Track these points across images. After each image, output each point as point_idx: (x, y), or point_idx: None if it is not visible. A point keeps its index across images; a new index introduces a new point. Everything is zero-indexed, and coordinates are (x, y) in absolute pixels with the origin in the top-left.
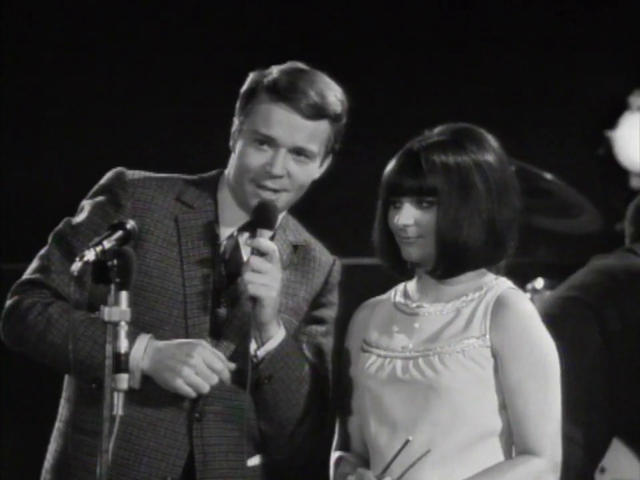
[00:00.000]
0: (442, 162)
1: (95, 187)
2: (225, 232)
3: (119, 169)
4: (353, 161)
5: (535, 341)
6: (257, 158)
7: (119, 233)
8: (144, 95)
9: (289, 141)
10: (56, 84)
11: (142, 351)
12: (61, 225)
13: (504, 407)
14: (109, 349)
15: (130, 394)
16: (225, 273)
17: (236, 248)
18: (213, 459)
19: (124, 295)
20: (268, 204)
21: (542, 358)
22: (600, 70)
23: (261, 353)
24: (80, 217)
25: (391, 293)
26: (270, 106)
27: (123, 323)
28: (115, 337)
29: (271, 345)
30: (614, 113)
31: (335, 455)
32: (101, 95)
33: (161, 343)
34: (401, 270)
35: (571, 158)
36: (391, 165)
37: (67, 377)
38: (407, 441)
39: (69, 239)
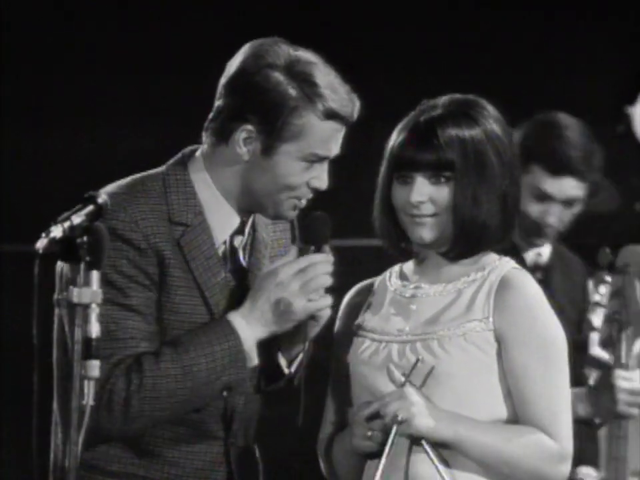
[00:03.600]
0: (458, 135)
1: None
2: (219, 238)
3: (104, 199)
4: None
5: (542, 323)
6: (306, 175)
7: (90, 208)
8: (145, 81)
9: (337, 152)
10: (58, 69)
11: (249, 332)
12: None
13: (509, 395)
14: (78, 333)
15: (162, 432)
16: (235, 283)
17: (233, 253)
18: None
19: (95, 274)
20: (323, 218)
21: (549, 341)
22: (620, 43)
23: (294, 367)
24: None
25: (385, 274)
26: (326, 125)
27: (93, 306)
28: (85, 320)
29: (299, 356)
30: (634, 87)
31: (326, 439)
32: (103, 80)
33: (246, 308)
34: (402, 250)
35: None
36: (397, 138)
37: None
38: (418, 360)
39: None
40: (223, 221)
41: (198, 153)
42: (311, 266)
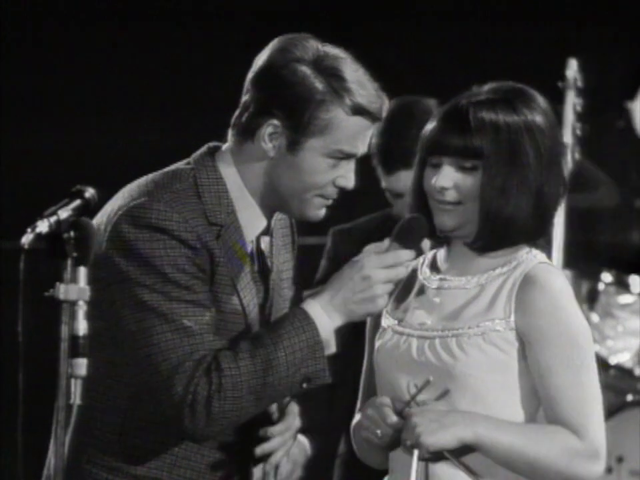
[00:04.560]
0: (491, 121)
1: (139, 228)
2: (247, 238)
3: (146, 200)
4: None
5: (566, 320)
6: (333, 173)
7: (77, 202)
8: (141, 79)
9: (364, 151)
10: (54, 67)
11: (327, 320)
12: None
13: (530, 396)
14: (65, 330)
15: (188, 439)
16: (260, 284)
17: (259, 254)
18: None
19: (82, 271)
20: (421, 221)
21: (574, 339)
22: (620, 38)
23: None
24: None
25: (419, 260)
26: (353, 121)
27: (81, 302)
28: (73, 317)
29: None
30: (634, 83)
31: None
32: (102, 75)
33: (325, 297)
34: (435, 237)
35: (588, 129)
36: (432, 122)
37: (81, 414)
38: (428, 381)
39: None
40: (251, 221)
41: (225, 148)
42: (398, 265)
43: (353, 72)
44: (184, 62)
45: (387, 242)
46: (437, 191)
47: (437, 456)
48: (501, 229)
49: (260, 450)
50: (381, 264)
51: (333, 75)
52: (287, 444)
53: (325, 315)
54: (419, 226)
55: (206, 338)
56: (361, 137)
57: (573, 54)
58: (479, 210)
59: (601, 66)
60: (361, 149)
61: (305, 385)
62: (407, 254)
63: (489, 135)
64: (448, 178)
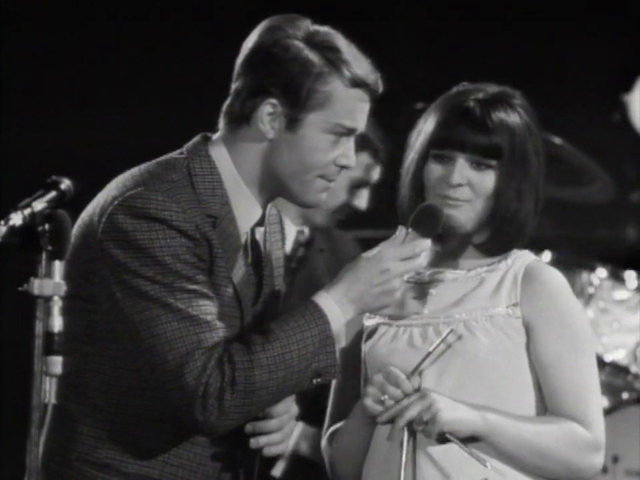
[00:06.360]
0: (507, 122)
1: (137, 218)
2: (242, 229)
3: (143, 190)
4: None
5: (570, 312)
6: (333, 152)
7: (52, 194)
8: (134, 69)
9: (363, 127)
10: (57, 59)
11: (339, 313)
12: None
13: (535, 386)
14: (39, 327)
15: (199, 432)
16: (253, 276)
17: (256, 246)
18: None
19: (57, 265)
20: (437, 210)
21: (577, 330)
22: (615, 30)
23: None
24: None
25: None
26: (352, 93)
27: (56, 298)
28: (47, 313)
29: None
30: (630, 75)
31: (328, 432)
32: (89, 69)
33: (340, 290)
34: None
35: (582, 121)
36: (439, 116)
37: (70, 411)
38: (451, 330)
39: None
40: (246, 212)
41: (216, 138)
42: (416, 256)
43: (347, 46)
44: (174, 54)
45: (402, 231)
46: (450, 187)
47: (442, 439)
48: (515, 230)
49: (251, 427)
50: (399, 256)
51: (327, 48)
52: (286, 430)
53: (337, 308)
54: (434, 213)
55: (213, 326)
56: (359, 110)
57: None
58: (492, 211)
59: (596, 58)
60: (360, 124)
61: (314, 381)
62: (424, 243)
63: (506, 135)
64: (463, 175)
